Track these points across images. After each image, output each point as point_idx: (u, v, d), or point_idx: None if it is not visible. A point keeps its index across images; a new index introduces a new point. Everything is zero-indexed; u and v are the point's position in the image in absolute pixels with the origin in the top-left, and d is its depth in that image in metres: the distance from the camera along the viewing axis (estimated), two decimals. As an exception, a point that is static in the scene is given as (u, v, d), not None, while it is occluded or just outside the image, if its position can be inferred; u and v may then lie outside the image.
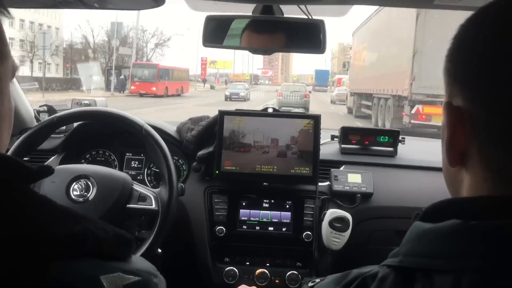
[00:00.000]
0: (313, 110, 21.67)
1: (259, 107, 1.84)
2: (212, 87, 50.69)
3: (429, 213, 0.52)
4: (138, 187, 1.45)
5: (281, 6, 1.39)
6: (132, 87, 28.96)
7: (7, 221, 0.51)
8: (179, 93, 32.13)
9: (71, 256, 0.55)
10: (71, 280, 0.54)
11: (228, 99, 28.76)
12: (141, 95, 27.97)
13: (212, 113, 1.82)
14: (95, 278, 0.55)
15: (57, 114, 1.49)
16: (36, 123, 1.99)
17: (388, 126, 12.56)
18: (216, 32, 1.45)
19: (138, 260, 0.65)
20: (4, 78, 0.61)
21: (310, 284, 0.67)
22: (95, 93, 25.58)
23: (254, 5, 1.38)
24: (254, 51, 1.48)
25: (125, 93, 29.92)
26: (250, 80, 77.44)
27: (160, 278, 0.64)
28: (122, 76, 30.79)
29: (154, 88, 28.38)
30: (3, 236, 0.50)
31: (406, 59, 11.60)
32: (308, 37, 1.38)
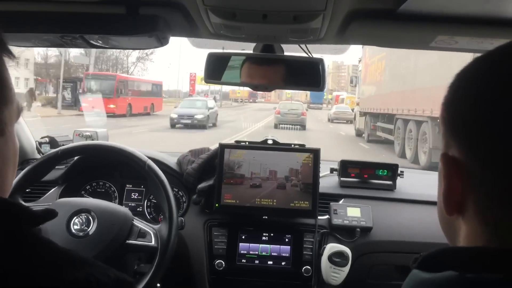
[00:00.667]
0: (310, 128, 21.92)
1: (258, 139, 1.86)
2: None
3: (426, 262, 0.52)
4: (138, 223, 1.46)
5: (281, 44, 1.42)
6: (84, 104, 21.48)
7: (11, 264, 0.52)
8: (149, 112, 26.60)
9: None
10: None
11: (174, 126, 19.67)
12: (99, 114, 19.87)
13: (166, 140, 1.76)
14: None
15: (62, 148, 1.50)
16: (38, 154, 2.00)
17: (424, 159, 10.25)
18: (217, 68, 1.47)
19: None
20: (9, 121, 0.62)
21: None
22: (41, 111, 22.12)
23: (255, 44, 1.41)
24: (255, 88, 1.50)
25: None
26: (249, 97, 76.93)
27: None
28: (81, 90, 24.26)
29: (112, 105, 22.18)
30: (7, 279, 0.51)
31: (457, 66, 7.31)
32: (308, 74, 1.40)
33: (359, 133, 18.54)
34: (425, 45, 1.18)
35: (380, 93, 15.14)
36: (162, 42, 1.19)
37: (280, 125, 21.48)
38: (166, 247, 1.40)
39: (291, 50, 1.44)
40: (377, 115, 15.39)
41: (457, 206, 0.54)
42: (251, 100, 75.35)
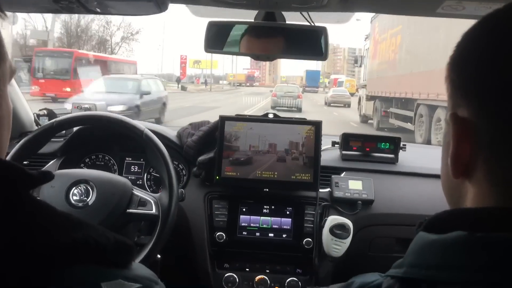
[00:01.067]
0: (306, 110, 21.90)
1: (260, 113, 1.84)
2: (183, 88, 41.48)
3: (433, 224, 0.52)
4: (138, 192, 1.45)
5: (283, 12, 1.39)
6: (34, 87, 18.07)
7: (8, 227, 0.51)
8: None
9: (73, 263, 0.55)
10: (72, 287, 0.53)
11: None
12: (54, 100, 16.97)
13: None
14: (96, 285, 0.54)
15: (57, 119, 1.48)
16: (36, 127, 1.98)
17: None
18: (217, 38, 1.44)
19: (138, 267, 0.65)
20: (2, 80, 0.61)
21: None
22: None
23: (257, 11, 1.38)
24: (257, 57, 1.48)
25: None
26: (246, 80, 76.97)
27: (160, 285, 0.64)
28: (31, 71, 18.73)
29: (68, 89, 17.70)
30: (5, 243, 0.50)
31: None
32: (310, 43, 1.38)
33: (365, 120, 16.59)
34: (432, 12, 1.15)
35: (394, 74, 12.99)
36: (161, 7, 1.15)
37: (276, 108, 21.70)
38: (167, 215, 1.39)
39: (293, 20, 1.41)
40: (390, 99, 13.37)
41: (464, 169, 0.53)
42: (248, 84, 74.98)
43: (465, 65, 0.53)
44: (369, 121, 15.77)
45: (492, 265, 0.44)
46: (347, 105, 29.01)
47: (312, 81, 63.18)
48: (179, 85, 42.98)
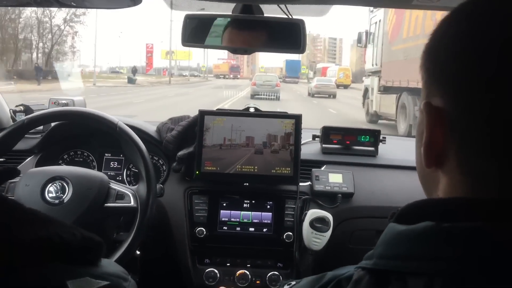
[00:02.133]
0: (292, 107, 19.83)
1: (241, 107, 1.83)
2: (130, 81, 35.39)
3: (404, 214, 0.51)
4: (115, 186, 1.43)
5: (261, 5, 1.38)
6: None
7: None
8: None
9: (37, 262, 0.53)
10: (37, 286, 0.52)
11: None
12: None
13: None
14: (61, 283, 0.53)
15: (29, 116, 1.45)
16: (12, 123, 1.95)
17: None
18: (196, 31, 1.43)
19: (108, 264, 0.64)
20: None
21: (286, 287, 0.66)
22: None
23: (234, 4, 1.36)
24: (234, 50, 1.46)
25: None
26: (229, 72, 73.20)
27: (130, 282, 0.63)
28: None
29: None
30: None
31: None
32: (288, 36, 1.37)
33: (374, 119, 12.91)
34: (407, 4, 1.15)
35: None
36: (135, 0, 1.13)
37: (255, 96, 23.29)
38: (146, 206, 1.38)
39: (271, 13, 1.40)
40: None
41: (436, 158, 0.53)
42: (231, 76, 71.86)
43: (440, 54, 0.52)
44: (381, 121, 12.50)
45: (456, 255, 0.44)
46: (332, 95, 28.36)
47: (292, 71, 61.04)
48: (134, 75, 37.38)
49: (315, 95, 28.17)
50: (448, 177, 0.53)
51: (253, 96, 23.81)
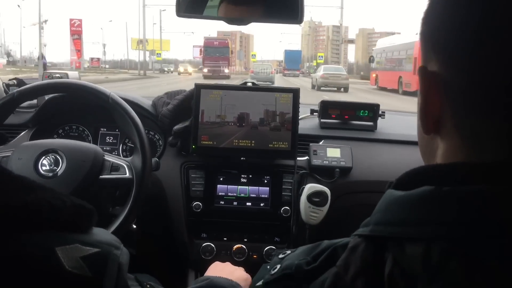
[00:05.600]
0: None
1: (238, 82, 1.81)
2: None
3: (402, 181, 0.51)
4: (110, 158, 1.41)
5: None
6: None
7: None
8: None
9: (25, 227, 0.52)
10: (25, 252, 0.52)
11: None
12: None
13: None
14: (50, 249, 0.53)
15: (19, 89, 1.42)
16: None
17: None
18: (192, 1, 1.40)
19: (100, 232, 0.63)
20: None
21: (280, 255, 0.65)
22: None
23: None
24: (231, 21, 1.43)
25: None
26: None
27: (122, 250, 0.62)
28: None
29: None
30: None
31: None
32: (285, 6, 1.34)
33: None
34: None
35: None
36: None
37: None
38: (142, 177, 1.36)
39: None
40: None
41: (434, 124, 0.52)
42: (206, 70, 39.84)
43: (435, 17, 0.52)
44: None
45: (456, 219, 0.43)
46: (344, 88, 24.22)
47: (292, 63, 54.98)
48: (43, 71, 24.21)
49: (322, 88, 23.98)
50: (446, 142, 0.52)
51: None
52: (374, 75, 28.34)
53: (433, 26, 0.52)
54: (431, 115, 0.52)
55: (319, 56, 59.75)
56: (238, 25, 1.46)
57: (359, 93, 22.86)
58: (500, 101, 0.46)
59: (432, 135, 0.53)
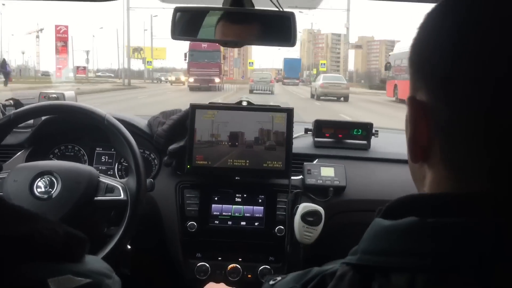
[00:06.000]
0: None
1: (233, 101, 1.82)
2: None
3: (390, 210, 0.51)
4: (104, 179, 1.42)
5: (251, -2, 1.36)
6: None
7: None
8: None
9: (18, 259, 0.53)
10: (17, 284, 0.52)
11: None
12: None
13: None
14: (42, 281, 0.53)
15: (16, 111, 1.44)
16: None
17: None
18: (188, 24, 1.42)
19: (92, 261, 0.63)
20: None
21: (271, 282, 0.66)
22: None
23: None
24: (225, 44, 1.46)
25: None
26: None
27: (114, 279, 0.62)
28: None
29: None
30: None
31: None
32: (279, 29, 1.36)
33: None
34: None
35: None
36: None
37: (254, 91, 27.31)
38: (136, 198, 1.37)
39: (261, 6, 1.39)
40: None
41: (422, 153, 0.53)
42: (192, 80, 33.64)
43: (425, 47, 0.52)
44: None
45: (439, 251, 0.44)
46: (344, 98, 23.37)
47: (291, 71, 53.88)
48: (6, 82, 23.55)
49: (321, 98, 23.23)
50: (433, 172, 0.53)
51: (251, 91, 27.53)
52: (392, 84, 23.62)
53: (421, 55, 0.53)
54: (419, 144, 0.53)
55: (321, 64, 56.91)
56: (232, 47, 1.49)
57: (377, 107, 19.71)
58: (483, 136, 0.47)
59: (420, 163, 0.54)
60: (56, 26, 32.78)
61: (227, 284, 1.36)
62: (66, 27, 33.01)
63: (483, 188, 0.48)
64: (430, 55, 0.51)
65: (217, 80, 31.55)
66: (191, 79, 31.62)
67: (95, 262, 0.63)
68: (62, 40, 32.22)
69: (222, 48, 27.45)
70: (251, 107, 1.72)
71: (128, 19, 39.63)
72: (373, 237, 0.51)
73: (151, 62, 47.85)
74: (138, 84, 41.47)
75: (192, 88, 30.72)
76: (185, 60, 32.01)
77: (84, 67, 38.44)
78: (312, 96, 24.73)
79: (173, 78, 46.89)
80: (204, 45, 28.73)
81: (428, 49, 0.51)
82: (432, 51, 0.51)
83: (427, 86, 0.51)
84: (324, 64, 54.98)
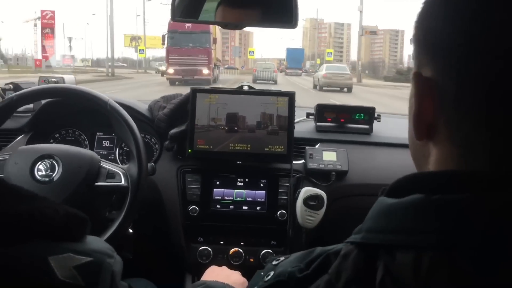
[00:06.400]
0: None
1: (234, 86, 1.81)
2: None
3: (394, 189, 0.51)
4: (106, 165, 1.41)
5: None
6: None
7: None
8: None
9: (18, 237, 0.52)
10: (18, 262, 0.51)
11: None
12: None
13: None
14: (43, 259, 0.53)
15: (18, 93, 1.42)
16: None
17: None
18: (188, 5, 1.40)
19: (93, 241, 0.63)
20: None
21: (274, 262, 0.65)
22: None
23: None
24: (225, 26, 1.44)
25: None
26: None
27: (115, 258, 0.62)
28: None
29: None
30: None
31: None
32: (280, 11, 1.34)
33: None
34: None
35: None
36: None
37: (257, 81, 27.88)
38: (137, 185, 1.36)
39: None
40: None
41: (427, 130, 0.52)
42: (172, 71, 26.39)
43: (431, 21, 0.51)
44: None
45: (445, 228, 0.43)
46: (347, 88, 22.86)
47: (294, 62, 52.20)
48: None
49: (324, 88, 22.61)
50: (438, 149, 0.52)
51: (255, 80, 28.50)
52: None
53: (427, 30, 0.52)
54: (424, 122, 0.52)
55: (327, 52, 54.79)
56: (233, 29, 1.47)
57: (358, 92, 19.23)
58: (493, 113, 0.46)
59: (424, 141, 0.53)
60: (42, 12, 29.54)
61: (229, 268, 1.36)
62: (53, 12, 30.01)
63: (490, 165, 0.47)
64: (437, 30, 0.50)
65: (205, 71, 24.58)
66: (171, 70, 24.85)
67: (96, 242, 0.63)
68: (48, 26, 29.27)
69: (213, 28, 24.59)
70: (253, 91, 1.71)
71: (112, 4, 34.58)
72: (377, 216, 0.50)
73: (143, 50, 42.98)
74: (125, 75, 37.48)
75: (172, 82, 24.80)
76: (163, 45, 25.80)
77: (71, 56, 35.47)
78: (315, 86, 24.13)
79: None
80: (188, 25, 21.98)
81: (435, 24, 0.50)
82: (439, 25, 0.50)
83: (433, 62, 0.50)
84: (331, 53, 52.96)
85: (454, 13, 0.48)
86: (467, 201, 0.44)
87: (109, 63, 36.49)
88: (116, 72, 36.26)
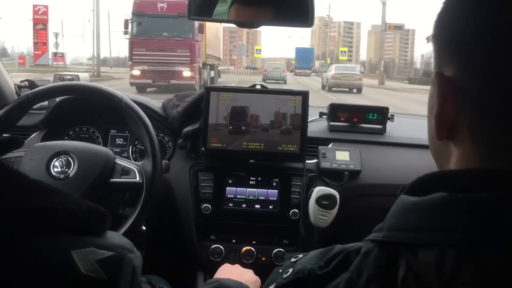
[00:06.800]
0: None
1: (247, 84, 1.81)
2: None
3: (415, 187, 0.51)
4: (120, 161, 1.42)
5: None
6: None
7: None
8: None
9: (41, 231, 0.53)
10: (41, 256, 0.52)
11: None
12: None
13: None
14: (66, 253, 0.53)
15: (33, 90, 1.43)
16: None
17: None
18: (203, 4, 1.41)
19: (114, 236, 0.63)
20: None
21: (292, 259, 0.65)
22: None
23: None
24: (241, 24, 1.44)
25: None
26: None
27: (136, 253, 0.62)
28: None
29: None
30: None
31: None
32: (296, 9, 1.34)
33: None
34: None
35: None
36: None
37: (267, 80, 27.94)
38: (151, 182, 1.37)
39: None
40: None
41: (448, 130, 0.52)
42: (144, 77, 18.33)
43: (452, 20, 0.51)
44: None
45: (471, 226, 0.43)
46: (357, 89, 22.39)
47: (303, 61, 51.63)
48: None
49: (333, 89, 21.79)
50: (460, 149, 0.51)
51: (264, 80, 27.64)
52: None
53: (448, 29, 0.51)
54: (446, 121, 0.52)
55: (341, 51, 52.59)
56: (248, 28, 1.47)
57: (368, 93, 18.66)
58: None
59: (445, 141, 0.53)
60: (34, 6, 27.35)
61: (241, 266, 1.36)
62: (46, 7, 27.87)
63: None
64: (458, 29, 0.49)
65: (186, 72, 17.26)
66: (136, 71, 17.35)
67: (116, 237, 0.64)
68: (41, 22, 27.22)
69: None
70: (266, 90, 1.71)
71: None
72: (400, 214, 0.50)
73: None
74: (114, 75, 32.15)
75: (141, 89, 17.57)
76: (125, 34, 17.50)
77: (63, 54, 31.22)
78: (323, 87, 23.40)
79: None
80: (162, 4, 16.55)
81: (456, 23, 0.50)
82: (461, 25, 0.49)
83: (454, 61, 0.50)
84: (345, 52, 51.13)
85: (476, 12, 0.48)
86: (492, 199, 0.43)
87: (95, 63, 31.76)
88: (109, 72, 33.34)
